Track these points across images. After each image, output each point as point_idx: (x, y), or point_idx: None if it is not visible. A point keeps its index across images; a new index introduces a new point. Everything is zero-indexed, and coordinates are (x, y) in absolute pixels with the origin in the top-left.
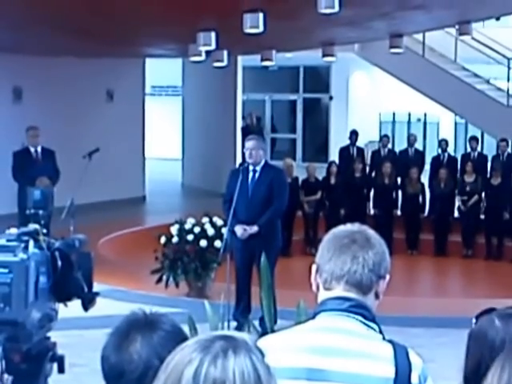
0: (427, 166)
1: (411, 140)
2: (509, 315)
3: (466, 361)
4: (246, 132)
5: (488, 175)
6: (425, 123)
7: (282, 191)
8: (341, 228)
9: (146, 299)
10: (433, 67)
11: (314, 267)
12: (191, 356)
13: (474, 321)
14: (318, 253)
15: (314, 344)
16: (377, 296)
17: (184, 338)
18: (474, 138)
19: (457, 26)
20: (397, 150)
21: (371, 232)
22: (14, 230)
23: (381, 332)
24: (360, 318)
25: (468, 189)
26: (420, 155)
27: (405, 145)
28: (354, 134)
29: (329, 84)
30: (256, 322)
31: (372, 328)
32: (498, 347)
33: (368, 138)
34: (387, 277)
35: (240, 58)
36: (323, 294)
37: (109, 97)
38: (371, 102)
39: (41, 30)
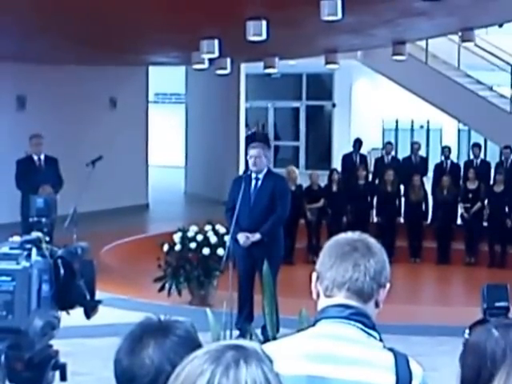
0: (430, 173)
1: (415, 148)
2: (506, 325)
3: (462, 372)
4: (253, 139)
5: (491, 182)
6: (428, 130)
7: (284, 199)
8: (342, 236)
9: (149, 307)
10: (436, 74)
11: (314, 275)
12: (202, 367)
13: (467, 331)
14: (318, 261)
15: (315, 351)
16: (377, 305)
17: (198, 345)
18: (476, 145)
19: (460, 33)
20: (400, 157)
21: (372, 240)
22: (16, 238)
23: (381, 340)
24: (360, 325)
25: (471, 196)
26: (423, 162)
27: (408, 152)
28: (357, 142)
29: (332, 91)
30: (258, 331)
31: (372, 336)
32: (499, 357)
33: (371, 145)
34: (387, 286)
35: (243, 66)
36: (324, 302)
37: (112, 104)
38: (374, 109)
39: (44, 38)
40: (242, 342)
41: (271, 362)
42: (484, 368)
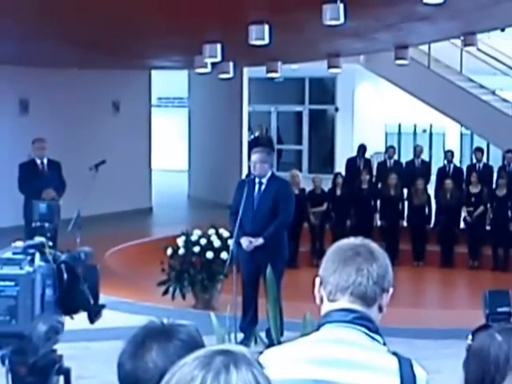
0: (433, 177)
1: (417, 151)
2: (509, 330)
3: (466, 377)
4: (256, 143)
5: (494, 186)
6: (430, 134)
7: (287, 203)
8: (344, 241)
9: (153, 311)
10: (438, 78)
11: (317, 280)
12: (193, 374)
13: (470, 337)
14: (321, 266)
15: (319, 356)
16: (380, 309)
17: (201, 348)
18: (478, 149)
19: (462, 37)
20: (403, 161)
21: (374, 245)
22: (20, 243)
23: (384, 344)
24: (364, 329)
25: (473, 200)
26: (426, 166)
27: (411, 156)
28: (362, 148)
29: (334, 95)
30: (262, 334)
31: (376, 340)
32: (503, 362)
33: (374, 149)
34: (390, 290)
35: (246, 70)
36: (327, 306)
37: (115, 108)
38: (377, 114)
39: (47, 42)
40: (230, 346)
41: (261, 365)
42: (488, 373)
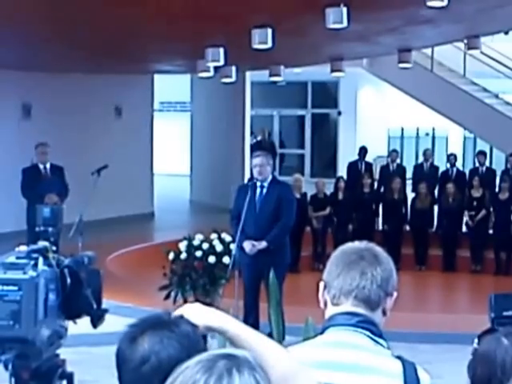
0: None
1: (427, 155)
2: None
3: (472, 381)
4: (258, 147)
5: (496, 190)
6: (433, 138)
7: (289, 207)
8: (348, 245)
9: None
10: (441, 82)
11: (321, 284)
12: (195, 377)
13: (476, 340)
14: (325, 270)
15: (324, 359)
16: (384, 313)
17: (194, 346)
18: (481, 153)
19: (465, 41)
20: (405, 164)
21: (379, 249)
22: (23, 248)
23: (388, 348)
24: (368, 333)
25: (475, 204)
26: (435, 170)
27: (413, 159)
28: (363, 150)
29: (337, 99)
30: None
31: (380, 344)
32: (509, 366)
33: (376, 152)
34: (394, 294)
35: (248, 74)
36: (331, 310)
37: (117, 113)
38: (380, 117)
39: (49, 47)
40: (232, 350)
41: (262, 369)
42: (494, 377)
